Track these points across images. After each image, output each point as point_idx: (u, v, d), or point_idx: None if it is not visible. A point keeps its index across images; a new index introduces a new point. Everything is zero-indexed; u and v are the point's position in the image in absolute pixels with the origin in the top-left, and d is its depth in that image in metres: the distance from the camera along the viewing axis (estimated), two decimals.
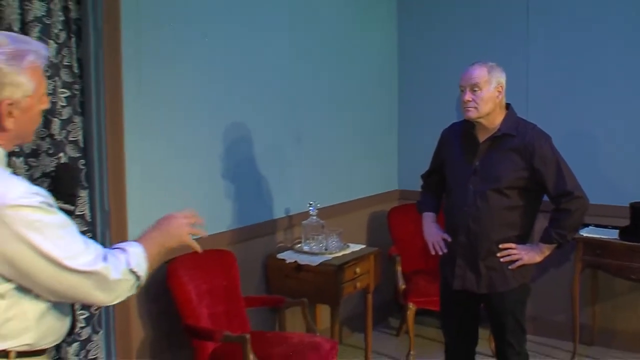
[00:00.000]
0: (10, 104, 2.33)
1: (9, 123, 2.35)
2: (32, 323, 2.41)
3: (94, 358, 4.51)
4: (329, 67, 6.41)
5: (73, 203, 2.66)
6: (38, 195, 2.29)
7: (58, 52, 4.17)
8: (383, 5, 7.20)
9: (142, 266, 2.52)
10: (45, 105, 2.50)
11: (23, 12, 4.01)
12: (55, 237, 2.28)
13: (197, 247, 2.80)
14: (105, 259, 2.41)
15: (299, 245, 5.89)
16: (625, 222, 5.82)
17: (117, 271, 2.43)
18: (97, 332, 4.50)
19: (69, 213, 2.41)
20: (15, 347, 2.39)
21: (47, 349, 2.55)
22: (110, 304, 2.50)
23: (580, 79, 6.35)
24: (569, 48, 6.37)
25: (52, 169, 4.18)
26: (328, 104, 6.42)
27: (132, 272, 2.48)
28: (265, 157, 5.75)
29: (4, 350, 2.37)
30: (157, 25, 4.78)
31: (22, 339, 2.40)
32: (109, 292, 2.43)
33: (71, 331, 2.67)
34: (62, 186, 2.54)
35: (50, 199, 2.34)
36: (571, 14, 6.34)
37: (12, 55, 2.32)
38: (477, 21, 6.82)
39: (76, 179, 2.86)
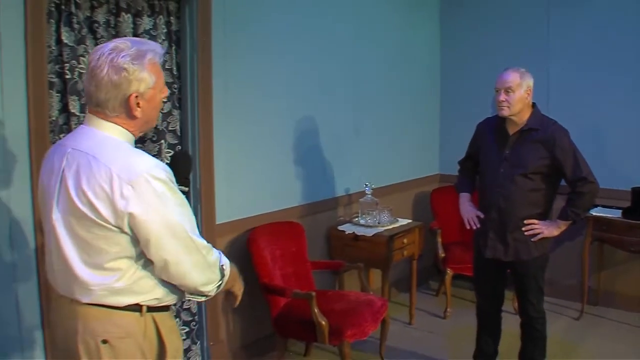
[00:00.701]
0: (137, 96, 2.34)
1: (137, 112, 2.36)
2: (158, 281, 2.40)
3: (188, 307, 4.60)
4: (382, 70, 6.36)
5: (187, 185, 2.64)
6: (165, 171, 2.30)
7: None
8: (427, 16, 7.13)
9: (227, 270, 2.53)
10: (165, 94, 2.49)
11: (135, 27, 4.09)
12: (174, 212, 2.28)
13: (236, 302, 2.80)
14: (207, 242, 2.42)
15: (356, 218, 5.87)
16: (627, 204, 5.82)
17: (214, 257, 2.44)
18: None
19: (184, 193, 2.41)
20: (147, 301, 2.39)
21: (171, 305, 2.55)
22: (200, 288, 2.45)
23: (592, 83, 6.24)
24: (582, 56, 6.27)
25: (154, 153, 4.23)
26: (381, 102, 6.38)
27: (221, 269, 2.48)
28: (329, 145, 5.74)
29: (137, 304, 2.38)
30: (240, 36, 4.80)
31: (153, 294, 2.40)
32: (203, 274, 2.42)
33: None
34: (179, 170, 2.53)
35: (172, 176, 2.34)
36: (586, 25, 6.23)
37: (134, 56, 2.32)
38: (506, 30, 6.73)
39: (190, 164, 2.84)
